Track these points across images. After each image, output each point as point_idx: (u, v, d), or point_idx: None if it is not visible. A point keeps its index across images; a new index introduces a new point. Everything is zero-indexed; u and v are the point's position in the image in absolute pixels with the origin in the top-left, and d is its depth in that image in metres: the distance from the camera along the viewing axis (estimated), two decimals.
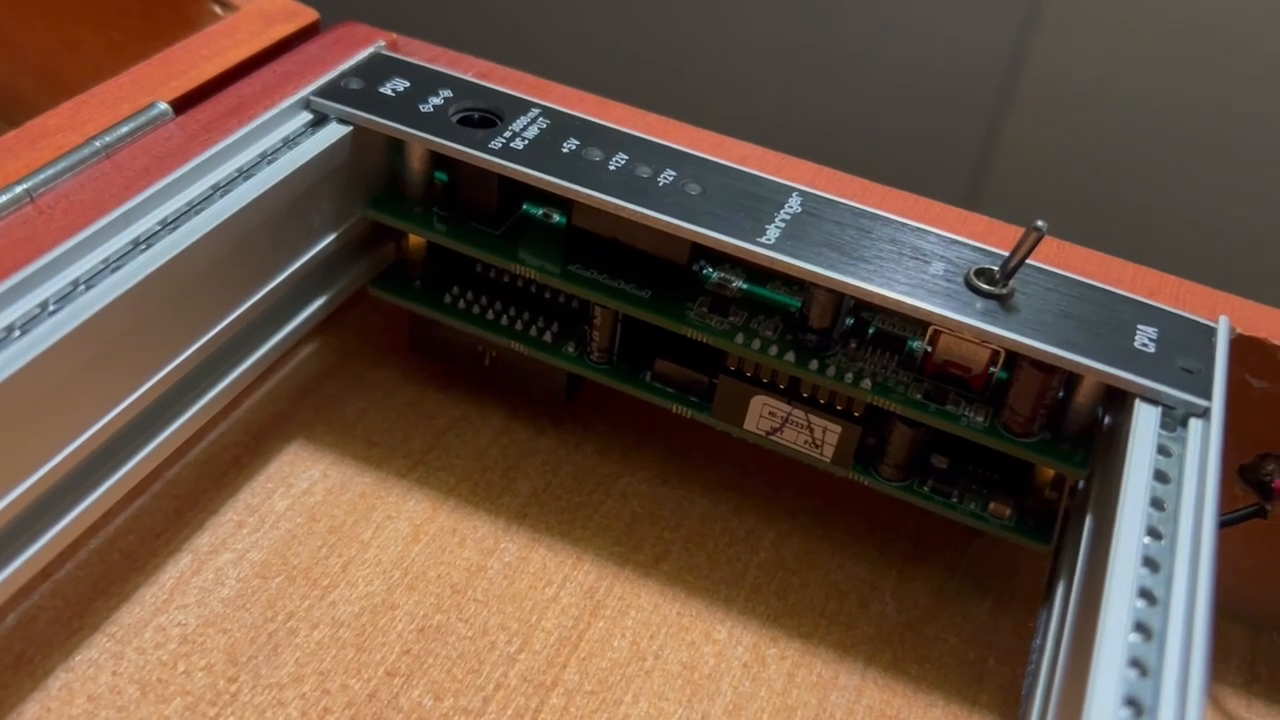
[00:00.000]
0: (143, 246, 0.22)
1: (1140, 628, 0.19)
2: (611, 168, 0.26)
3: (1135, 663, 0.18)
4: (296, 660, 0.24)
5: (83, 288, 0.21)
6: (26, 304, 0.21)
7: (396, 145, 0.28)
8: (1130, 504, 0.21)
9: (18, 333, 0.20)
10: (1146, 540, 0.20)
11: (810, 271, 0.24)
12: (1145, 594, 0.19)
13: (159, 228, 0.23)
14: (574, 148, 0.26)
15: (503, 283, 0.29)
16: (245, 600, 0.25)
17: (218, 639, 0.24)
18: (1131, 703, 0.18)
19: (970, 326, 0.23)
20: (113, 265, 0.22)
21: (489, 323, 0.28)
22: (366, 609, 0.25)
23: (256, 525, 0.26)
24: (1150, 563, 0.20)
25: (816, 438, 0.26)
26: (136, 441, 0.24)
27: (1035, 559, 0.28)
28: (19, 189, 0.23)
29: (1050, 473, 0.26)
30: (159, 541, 0.26)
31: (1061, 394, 0.24)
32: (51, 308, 0.21)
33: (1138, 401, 0.23)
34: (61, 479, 0.22)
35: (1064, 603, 0.23)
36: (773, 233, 0.25)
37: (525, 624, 0.25)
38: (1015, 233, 0.26)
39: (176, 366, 0.24)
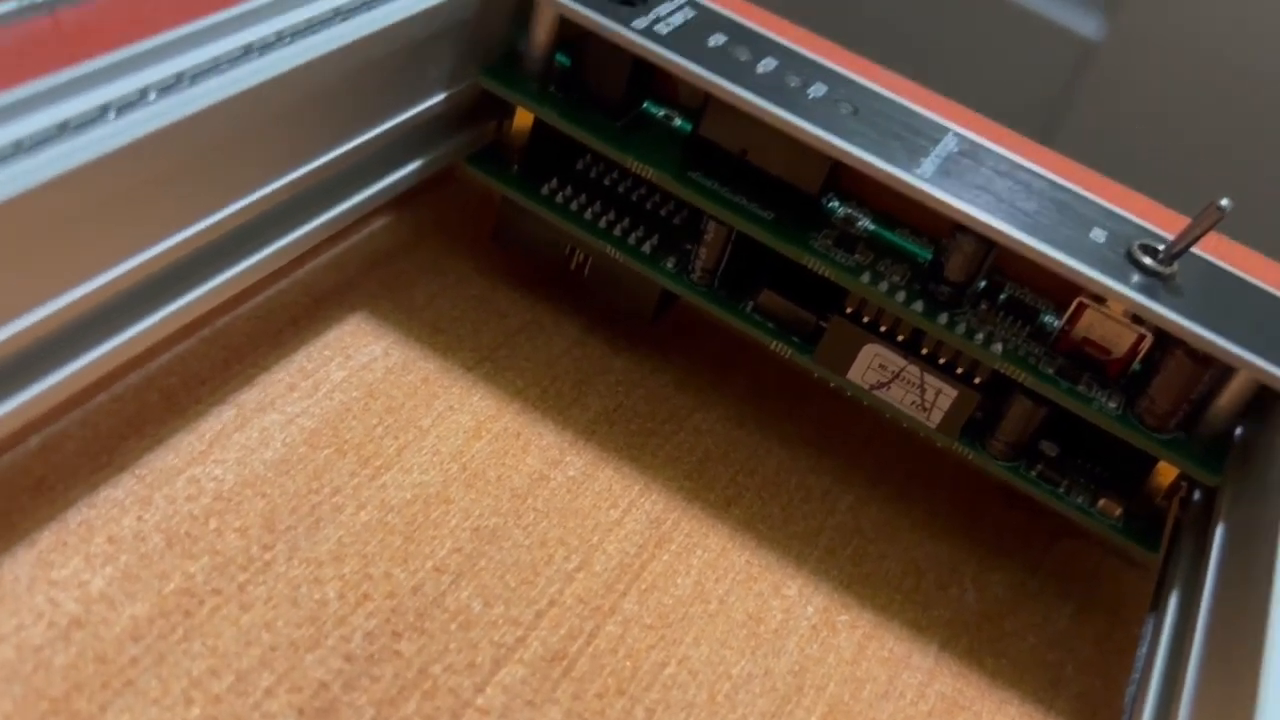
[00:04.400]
0: (255, 54, 0.20)
1: None
2: (759, 71, 0.24)
3: None
4: (339, 539, 0.22)
5: (188, 82, 0.19)
6: (127, 85, 0.18)
7: (523, 14, 0.26)
8: None
9: (113, 114, 0.18)
10: None
11: (967, 213, 0.22)
12: None
13: (274, 39, 0.21)
14: (721, 43, 0.24)
15: (604, 184, 0.27)
16: (290, 467, 0.23)
17: (256, 502, 0.22)
18: None
19: (1131, 299, 0.21)
20: (222, 66, 0.20)
21: (586, 222, 0.26)
22: (419, 498, 0.23)
23: (310, 391, 0.24)
24: None
25: (927, 399, 0.24)
26: (194, 276, 0.22)
27: (1118, 571, 0.26)
28: None
29: (1168, 478, 0.24)
30: (203, 389, 0.23)
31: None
32: (153, 96, 0.19)
33: None
34: (108, 299, 0.20)
35: (1183, 616, 0.21)
36: (928, 167, 0.23)
37: (586, 543, 0.23)
38: (1175, 218, 0.24)
39: (253, 202, 0.22)
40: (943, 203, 0.22)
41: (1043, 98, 0.72)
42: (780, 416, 0.27)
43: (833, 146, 0.22)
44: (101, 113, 0.18)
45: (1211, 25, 0.66)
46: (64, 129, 0.18)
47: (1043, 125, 0.72)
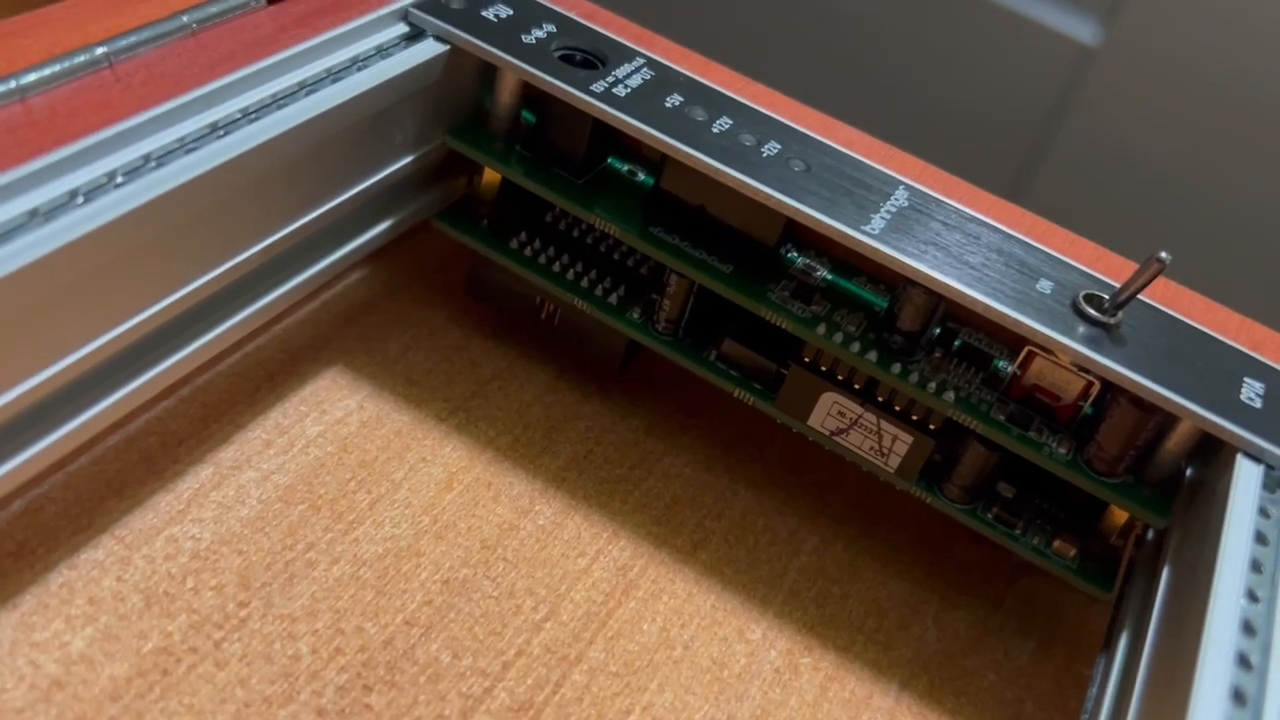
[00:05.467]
0: (220, 132, 0.21)
1: (1237, 695, 0.17)
2: (714, 130, 0.24)
3: None
4: (312, 594, 0.22)
5: (154, 164, 0.20)
6: (94, 171, 0.19)
7: (487, 75, 0.26)
8: (1229, 564, 0.19)
9: (81, 199, 0.19)
10: (1244, 603, 0.19)
11: (913, 268, 0.22)
12: (1243, 660, 0.18)
13: (239, 116, 0.21)
14: (677, 104, 0.25)
15: (572, 237, 0.28)
16: (265, 523, 0.23)
17: (232, 559, 0.23)
18: None
19: (1075, 351, 0.22)
20: (188, 146, 0.20)
21: (554, 274, 0.27)
22: (391, 551, 0.24)
23: (285, 447, 0.25)
24: (1248, 627, 0.18)
25: (884, 445, 0.25)
26: (172, 342, 0.23)
27: (1079, 606, 0.27)
28: (99, 50, 0.21)
29: (1121, 518, 0.24)
30: (181, 449, 0.24)
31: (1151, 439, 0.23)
32: (120, 179, 0.19)
33: (1239, 457, 0.21)
34: (89, 369, 0.21)
35: (1131, 656, 0.22)
36: (878, 223, 0.23)
37: (554, 592, 0.24)
38: (1122, 264, 0.25)
39: (227, 270, 0.23)
40: (891, 258, 0.23)
41: (1038, 104, 0.72)
42: (747, 459, 0.28)
43: (784, 205, 0.23)
44: (70, 198, 0.19)
45: (1211, 31, 0.66)
46: (34, 215, 0.18)
47: (1039, 133, 0.72)
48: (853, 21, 0.74)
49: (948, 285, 0.22)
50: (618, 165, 0.27)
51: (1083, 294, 0.23)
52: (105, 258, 0.19)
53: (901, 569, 0.27)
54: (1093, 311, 0.23)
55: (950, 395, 0.24)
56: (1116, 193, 0.73)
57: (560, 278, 0.27)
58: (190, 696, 0.20)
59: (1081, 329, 0.22)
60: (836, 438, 0.25)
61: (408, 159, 0.26)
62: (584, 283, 0.27)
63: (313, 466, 0.25)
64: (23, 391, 0.19)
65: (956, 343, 0.25)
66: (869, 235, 0.23)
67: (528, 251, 0.27)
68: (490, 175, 0.27)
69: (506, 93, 0.26)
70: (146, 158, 0.20)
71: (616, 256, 0.28)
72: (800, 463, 0.28)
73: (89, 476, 0.23)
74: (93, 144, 0.19)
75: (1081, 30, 0.71)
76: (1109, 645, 0.23)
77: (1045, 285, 0.23)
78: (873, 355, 0.24)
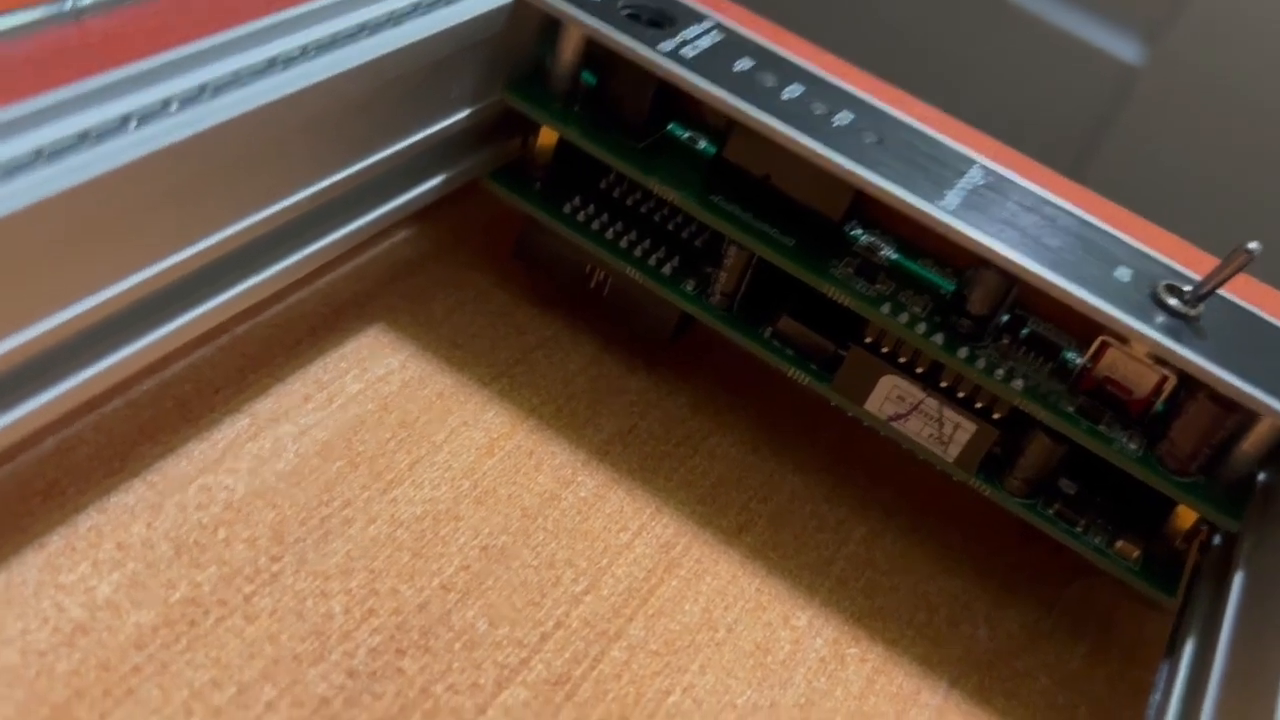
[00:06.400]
0: (280, 67, 0.20)
1: None
2: (784, 97, 0.23)
3: None
4: (347, 552, 0.22)
5: (210, 93, 0.19)
6: (149, 97, 0.19)
7: (549, 32, 0.25)
8: None
9: (134, 124, 0.18)
10: None
11: (989, 247, 0.22)
12: None
13: (298, 53, 0.21)
14: (747, 68, 0.24)
15: (626, 205, 0.27)
16: (301, 478, 0.23)
17: (265, 513, 0.22)
18: None
19: (1155, 341, 0.21)
20: (245, 79, 0.20)
21: (607, 242, 0.26)
22: (429, 514, 0.23)
23: (324, 402, 0.24)
24: None
25: (945, 433, 0.24)
26: (212, 285, 0.22)
27: (1134, 611, 0.26)
28: None
29: (1188, 520, 0.23)
30: (218, 397, 0.24)
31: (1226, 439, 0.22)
32: (174, 107, 0.19)
33: None
34: (127, 305, 0.20)
35: (1199, 664, 0.21)
36: (952, 199, 0.22)
37: (595, 565, 0.23)
38: (1204, 259, 0.24)
39: (273, 214, 0.22)
40: (965, 236, 0.22)
41: (1080, 122, 0.71)
42: (796, 443, 0.27)
43: (856, 176, 0.22)
44: (123, 123, 0.18)
45: (1255, 50, 0.65)
46: (84, 138, 0.18)
47: (1079, 151, 0.71)
48: (894, 34, 0.73)
49: (1024, 267, 0.21)
50: (678, 132, 0.26)
51: (1163, 284, 0.22)
52: (151, 188, 0.19)
53: (952, 564, 0.26)
54: (1173, 302, 0.22)
55: (1019, 383, 0.23)
56: (1158, 211, 0.72)
57: (614, 245, 0.26)
58: (218, 650, 0.20)
59: (1161, 319, 0.21)
60: (894, 423, 0.24)
61: (464, 113, 0.25)
62: (638, 251, 0.26)
63: (352, 423, 0.24)
64: (60, 322, 0.19)
65: (1025, 331, 0.24)
66: (944, 211, 0.22)
67: (581, 217, 0.26)
68: (546, 137, 0.26)
69: (569, 50, 0.25)
70: (203, 87, 0.19)
71: (671, 227, 0.27)
72: (849, 450, 0.27)
73: (122, 419, 0.23)
74: (149, 69, 0.19)
75: (1124, 49, 0.70)
76: (1172, 652, 0.22)
77: (1124, 273, 0.22)
78: (939, 338, 0.23)
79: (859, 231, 0.25)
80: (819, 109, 0.23)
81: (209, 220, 0.21)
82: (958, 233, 0.22)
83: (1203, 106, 0.67)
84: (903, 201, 0.22)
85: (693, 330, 0.27)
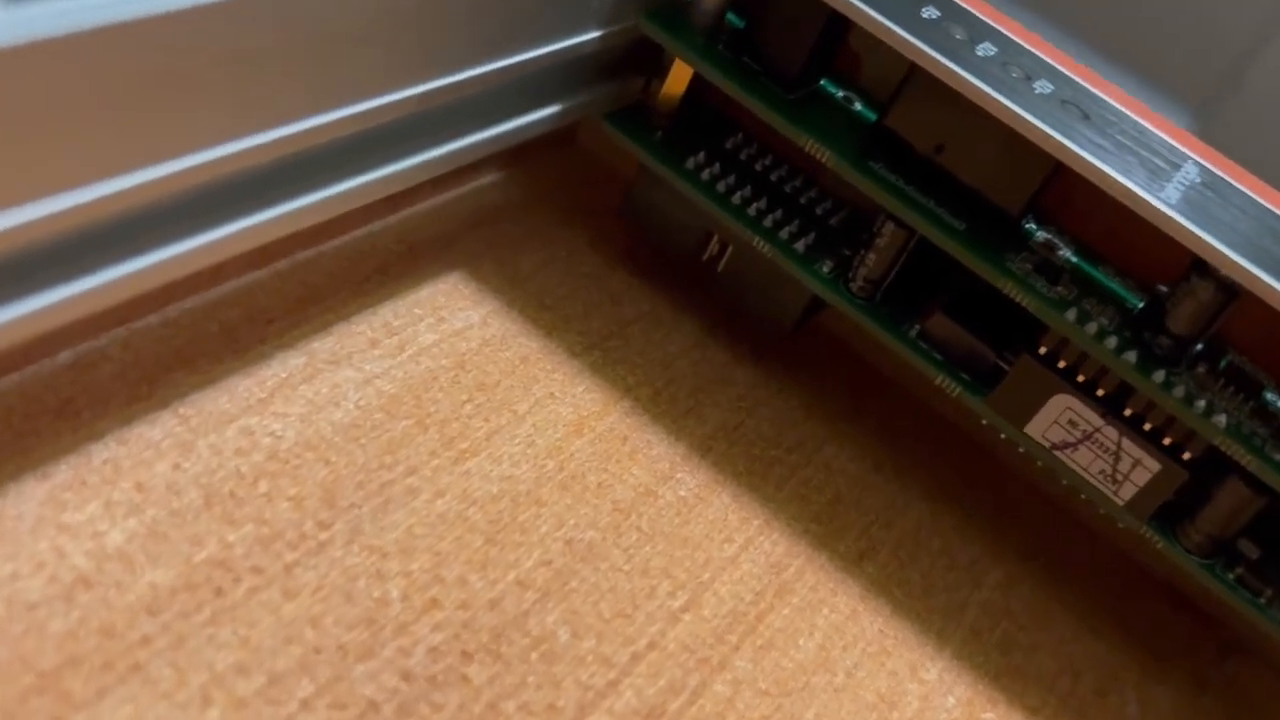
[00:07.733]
0: None
1: None
2: (978, 53, 0.20)
3: None
4: (409, 528, 0.18)
5: None
6: None
7: None
8: None
9: None
10: None
11: (1219, 251, 0.18)
12: None
13: None
14: (934, 17, 0.20)
15: (754, 170, 0.23)
16: (361, 434, 0.19)
17: (317, 469, 0.18)
18: None
19: None
20: None
21: (734, 206, 0.22)
22: (507, 494, 0.19)
23: (393, 350, 0.20)
24: None
25: (1120, 470, 0.20)
26: (279, 190, 0.18)
27: None
28: None
29: None
30: (270, 329, 0.20)
31: None
32: None
33: None
34: (174, 195, 0.16)
35: None
36: (1172, 192, 0.19)
37: (695, 579, 0.19)
38: None
39: (363, 112, 0.18)
40: (1193, 236, 0.18)
41: None
42: (921, 463, 0.23)
43: (1064, 149, 0.19)
44: None
45: None
46: None
47: None
48: None
49: (1259, 278, 0.18)
50: (831, 89, 0.23)
51: None
52: (218, 46, 0.15)
53: (1096, 625, 0.22)
54: None
55: (1221, 419, 0.19)
56: None
57: (741, 210, 0.22)
58: (247, 627, 0.16)
59: None
60: (1058, 453, 0.21)
61: (594, 34, 0.21)
62: (767, 222, 0.22)
63: (423, 379, 0.20)
64: (92, 198, 0.15)
65: (1223, 362, 0.20)
66: (1166, 204, 0.18)
67: (705, 175, 0.23)
68: (673, 83, 0.23)
69: None
70: None
71: (805, 200, 0.23)
72: (980, 477, 0.24)
73: (155, 339, 0.19)
74: None
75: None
76: None
77: None
78: (1131, 356, 0.19)
79: (1034, 228, 0.21)
80: (1015, 73, 0.20)
81: (286, 105, 0.17)
82: (1184, 230, 0.18)
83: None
84: (1120, 187, 0.18)
85: (815, 322, 0.24)
